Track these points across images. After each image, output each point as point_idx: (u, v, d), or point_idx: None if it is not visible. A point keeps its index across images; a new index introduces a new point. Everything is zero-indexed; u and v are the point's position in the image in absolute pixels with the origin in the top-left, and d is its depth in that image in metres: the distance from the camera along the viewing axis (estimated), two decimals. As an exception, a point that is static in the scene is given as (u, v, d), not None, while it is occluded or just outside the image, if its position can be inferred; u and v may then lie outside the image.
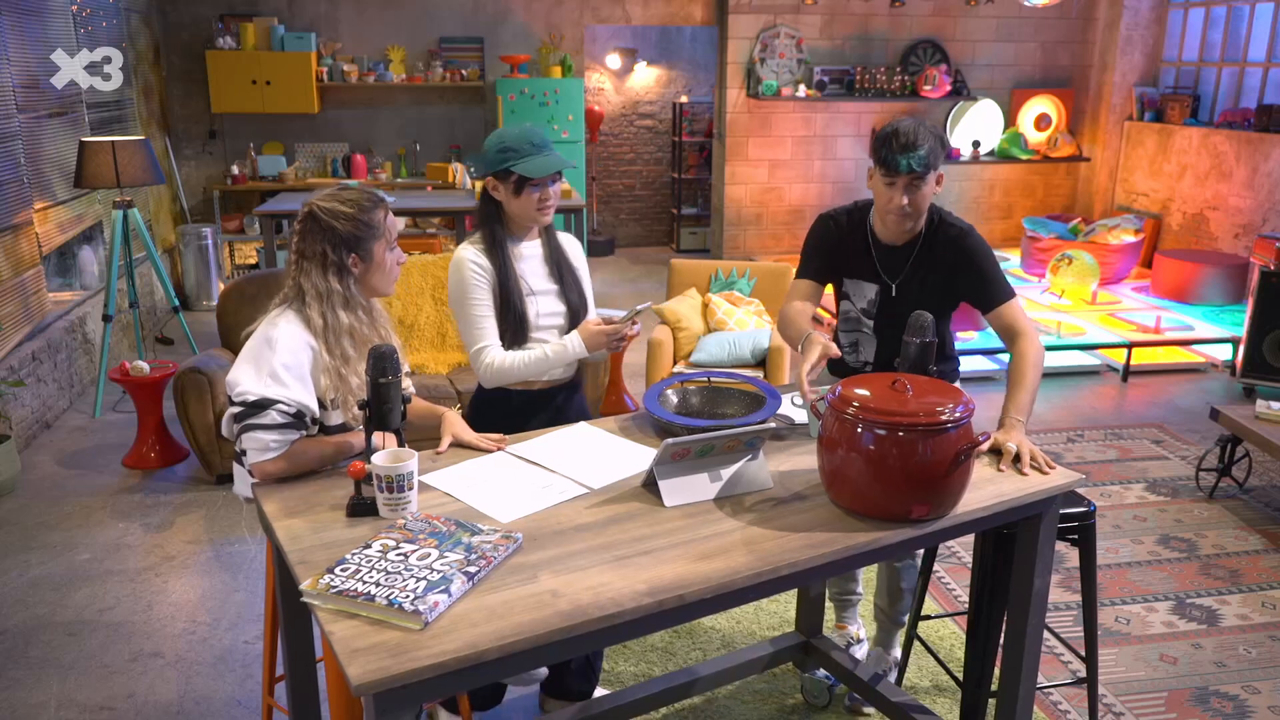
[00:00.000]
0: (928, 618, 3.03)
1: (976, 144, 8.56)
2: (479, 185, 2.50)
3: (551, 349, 2.45)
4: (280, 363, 1.98)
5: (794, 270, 2.97)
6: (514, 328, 2.45)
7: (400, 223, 6.38)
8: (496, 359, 2.42)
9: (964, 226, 2.46)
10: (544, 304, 2.49)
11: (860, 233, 2.51)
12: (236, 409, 1.97)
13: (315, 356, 2.04)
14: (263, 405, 1.95)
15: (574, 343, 2.44)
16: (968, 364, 5.83)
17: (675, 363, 4.64)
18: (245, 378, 1.98)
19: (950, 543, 3.71)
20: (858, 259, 2.52)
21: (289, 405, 1.97)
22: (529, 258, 2.50)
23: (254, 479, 1.99)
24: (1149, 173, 8.34)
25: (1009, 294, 2.42)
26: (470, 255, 2.43)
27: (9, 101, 4.82)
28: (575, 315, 2.54)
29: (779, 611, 3.25)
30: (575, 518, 1.83)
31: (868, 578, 3.28)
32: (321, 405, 2.06)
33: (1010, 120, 8.81)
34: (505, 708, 2.76)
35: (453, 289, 2.45)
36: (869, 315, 2.55)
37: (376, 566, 1.59)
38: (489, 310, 2.43)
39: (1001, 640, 2.30)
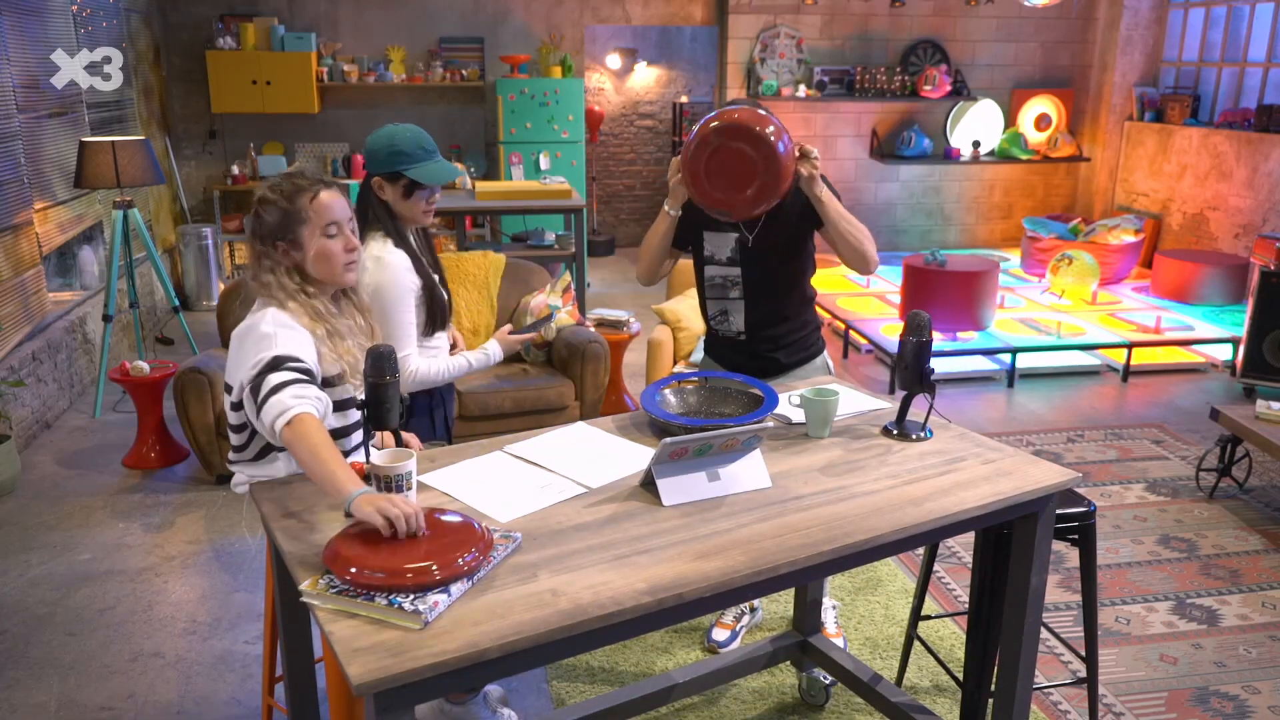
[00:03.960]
0: (928, 618, 3.03)
1: (976, 144, 8.56)
2: (379, 181, 2.52)
3: (474, 357, 2.57)
4: (275, 328, 2.00)
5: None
6: (439, 317, 2.55)
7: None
8: (421, 368, 2.49)
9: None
10: None
11: None
12: (253, 379, 1.93)
13: (308, 333, 2.06)
14: (275, 364, 1.94)
15: (494, 350, 2.57)
16: (968, 364, 5.84)
17: (675, 363, 4.64)
18: (248, 357, 1.98)
19: (950, 543, 3.71)
20: None
21: (298, 360, 1.97)
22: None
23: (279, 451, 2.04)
24: (1149, 173, 8.34)
25: None
26: (402, 262, 2.45)
27: (9, 101, 4.82)
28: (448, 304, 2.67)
29: (778, 610, 3.25)
30: (574, 517, 1.83)
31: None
32: (329, 383, 2.08)
33: (1010, 120, 8.81)
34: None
35: (384, 291, 2.43)
36: (734, 282, 2.67)
37: (375, 566, 1.59)
38: (414, 317, 2.49)
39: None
